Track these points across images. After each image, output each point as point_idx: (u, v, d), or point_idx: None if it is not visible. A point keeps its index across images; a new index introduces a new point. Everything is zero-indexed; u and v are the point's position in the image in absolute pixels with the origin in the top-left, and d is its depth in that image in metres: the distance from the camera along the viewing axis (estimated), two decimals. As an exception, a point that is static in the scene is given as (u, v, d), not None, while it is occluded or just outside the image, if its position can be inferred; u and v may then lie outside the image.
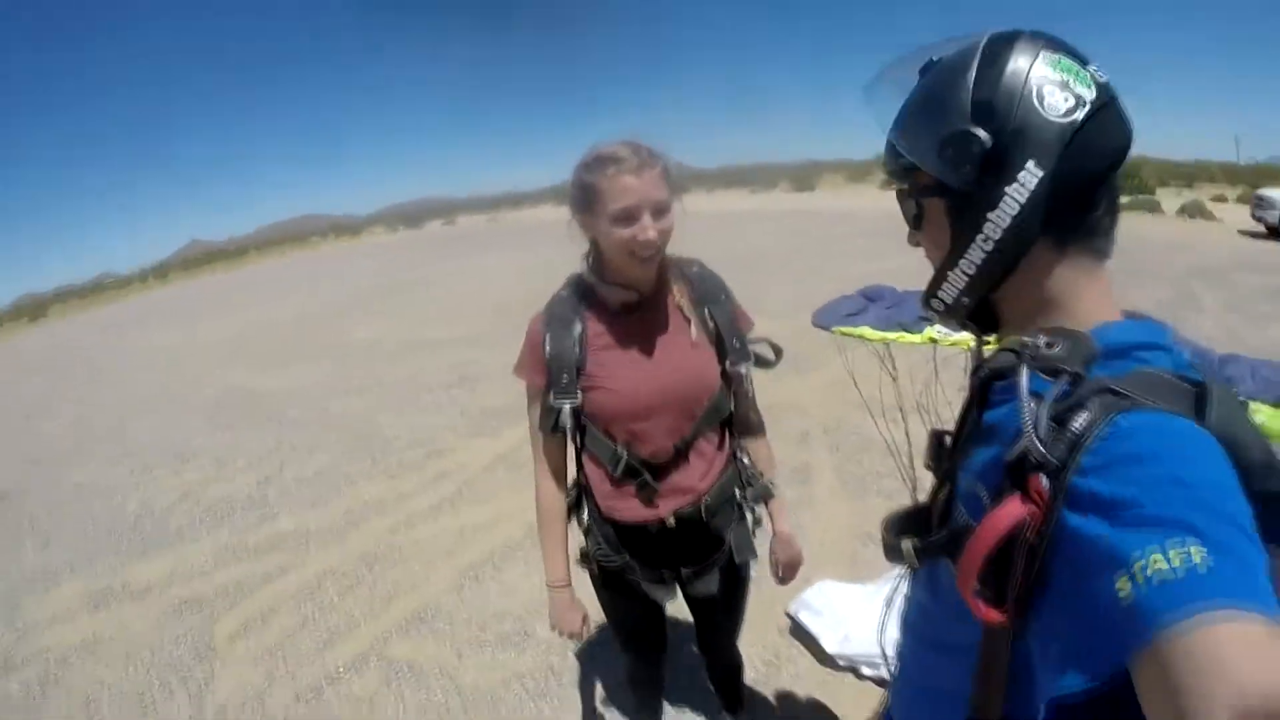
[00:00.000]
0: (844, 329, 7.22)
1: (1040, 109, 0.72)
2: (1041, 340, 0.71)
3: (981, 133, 0.74)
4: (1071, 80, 0.73)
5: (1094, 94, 0.73)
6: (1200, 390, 0.67)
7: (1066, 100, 0.73)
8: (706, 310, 1.60)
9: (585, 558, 1.78)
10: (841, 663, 2.75)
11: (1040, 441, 0.63)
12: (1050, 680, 0.59)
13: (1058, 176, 0.73)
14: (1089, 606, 0.56)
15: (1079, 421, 0.62)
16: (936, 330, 6.40)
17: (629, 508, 1.64)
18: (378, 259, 22.80)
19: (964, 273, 0.80)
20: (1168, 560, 0.50)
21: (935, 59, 0.83)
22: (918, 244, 0.91)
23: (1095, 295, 0.80)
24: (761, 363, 1.65)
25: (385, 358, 9.16)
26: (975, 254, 0.78)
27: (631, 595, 1.80)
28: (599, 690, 2.83)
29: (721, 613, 1.98)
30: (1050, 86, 0.73)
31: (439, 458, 5.56)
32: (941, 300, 0.86)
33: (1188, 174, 24.06)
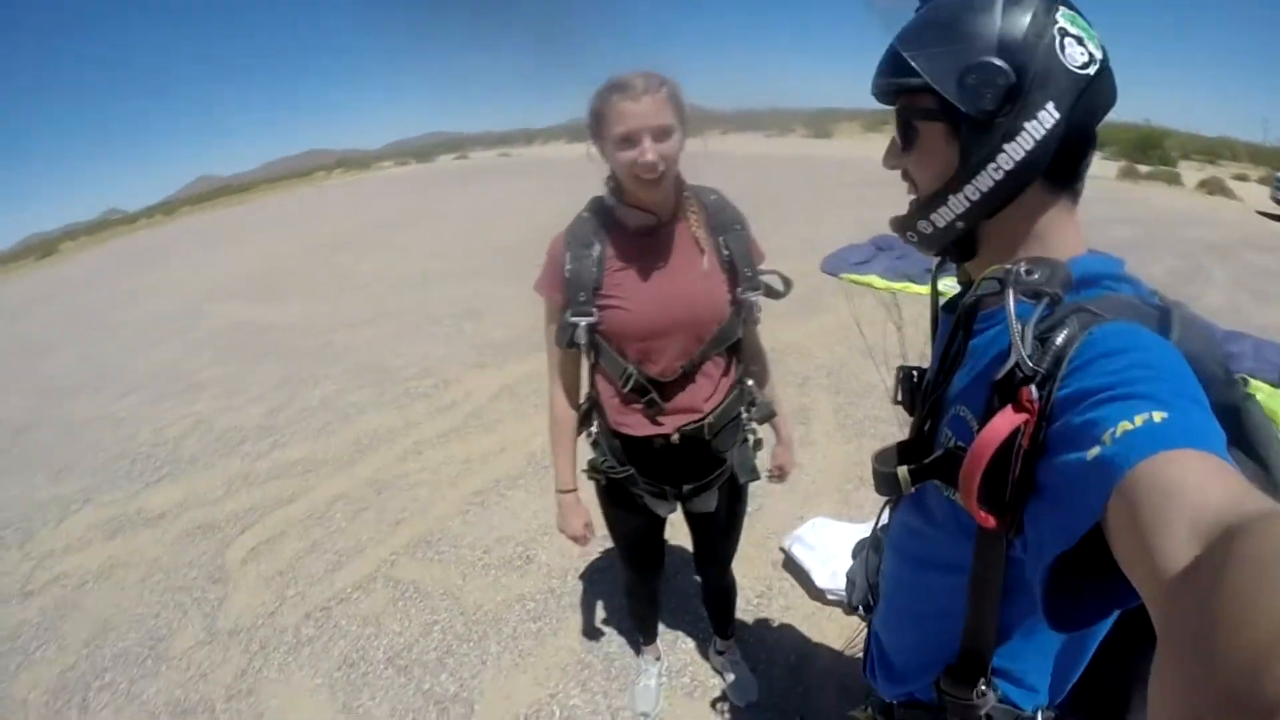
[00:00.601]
0: (852, 276, 7.21)
1: (1062, 58, 0.77)
2: (1023, 268, 0.76)
3: (1006, 67, 0.77)
4: (1085, 38, 0.78)
5: (1100, 54, 0.79)
6: (1164, 313, 0.74)
7: (1083, 55, 0.77)
8: (721, 239, 1.65)
9: (593, 469, 1.86)
10: (830, 597, 2.84)
11: (1027, 357, 0.69)
12: (1036, 563, 0.64)
13: (1070, 122, 0.78)
14: (1066, 482, 0.62)
15: (1060, 337, 0.69)
16: (944, 285, 6.37)
17: (636, 422, 1.72)
18: (386, 193, 22.45)
19: (967, 198, 0.84)
20: (1133, 423, 0.56)
21: None
22: (899, 166, 0.93)
23: (1070, 232, 0.85)
24: (771, 293, 1.70)
25: (392, 290, 9.15)
26: (984, 181, 0.81)
27: (633, 508, 1.88)
28: (598, 612, 2.94)
29: (719, 531, 2.07)
30: (1070, 39, 0.77)
31: (445, 388, 5.62)
32: (932, 223, 0.89)
33: (1212, 150, 23.51)
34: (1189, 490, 0.48)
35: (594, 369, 1.75)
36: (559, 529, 1.90)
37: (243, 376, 6.52)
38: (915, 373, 1.05)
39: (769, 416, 1.88)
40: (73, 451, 5.44)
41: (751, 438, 1.88)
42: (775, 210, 10.78)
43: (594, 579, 3.14)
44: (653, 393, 1.66)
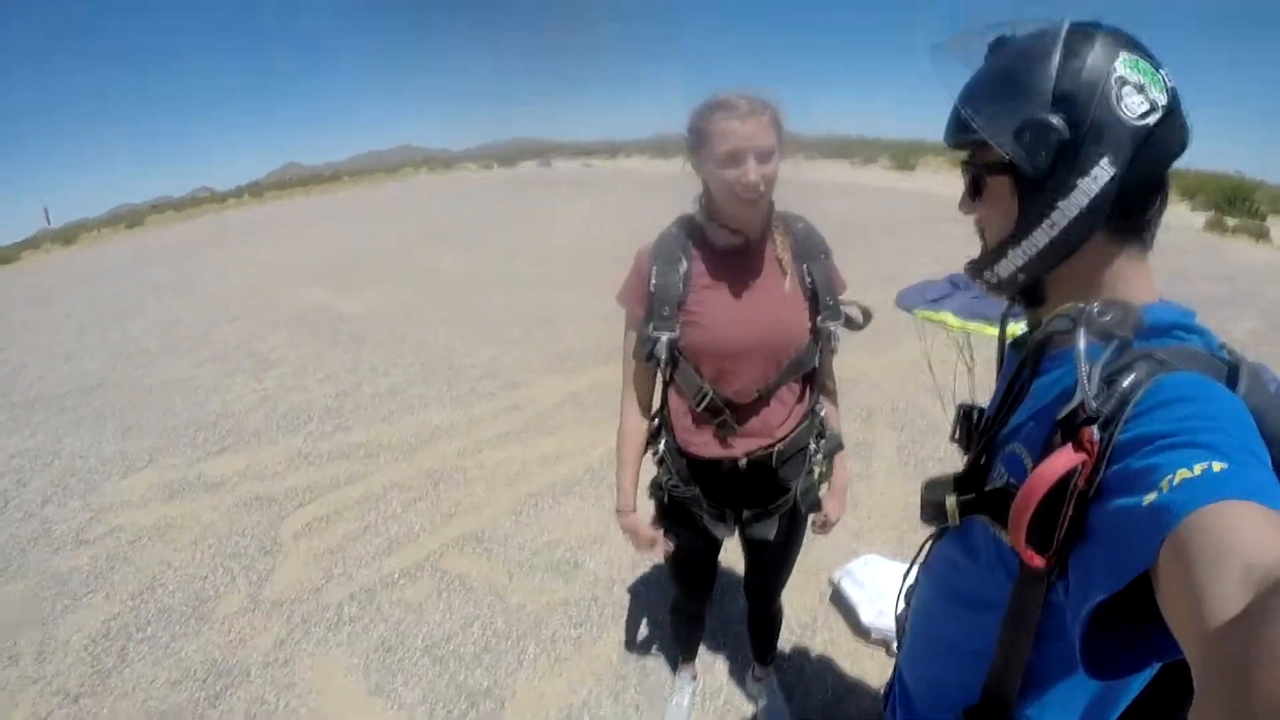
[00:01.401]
0: (925, 312, 7.06)
1: (1118, 109, 0.75)
2: (1096, 308, 0.75)
3: (1060, 123, 0.76)
4: (1148, 83, 0.76)
5: (1165, 99, 0.77)
6: (1232, 367, 0.73)
7: (1142, 104, 0.76)
8: (805, 266, 1.64)
9: (656, 487, 1.86)
10: (875, 636, 2.78)
11: (1092, 398, 0.68)
12: (1078, 606, 0.62)
13: (1127, 176, 0.77)
14: (1120, 525, 0.61)
15: (1127, 381, 0.68)
16: (1021, 328, 6.19)
17: (706, 444, 1.71)
18: (470, 194, 22.83)
19: (1025, 253, 0.84)
20: (1192, 471, 0.55)
21: (1008, 36, 0.85)
22: (971, 213, 0.94)
23: (1140, 280, 0.84)
24: (851, 324, 1.68)
25: (469, 290, 9.24)
26: (1040, 237, 0.82)
27: (692, 529, 1.87)
28: (640, 626, 2.93)
29: (774, 560, 2.04)
30: (1129, 88, 0.76)
31: (512, 390, 5.66)
32: (996, 274, 0.90)
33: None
34: (1244, 542, 0.47)
35: (668, 385, 1.75)
36: (637, 549, 1.91)
37: (315, 358, 6.68)
38: (976, 412, 1.03)
39: (836, 450, 1.85)
40: (144, 412, 5.65)
41: (818, 469, 1.85)
42: (856, 241, 10.64)
43: (639, 592, 3.13)
44: (726, 414, 1.65)
